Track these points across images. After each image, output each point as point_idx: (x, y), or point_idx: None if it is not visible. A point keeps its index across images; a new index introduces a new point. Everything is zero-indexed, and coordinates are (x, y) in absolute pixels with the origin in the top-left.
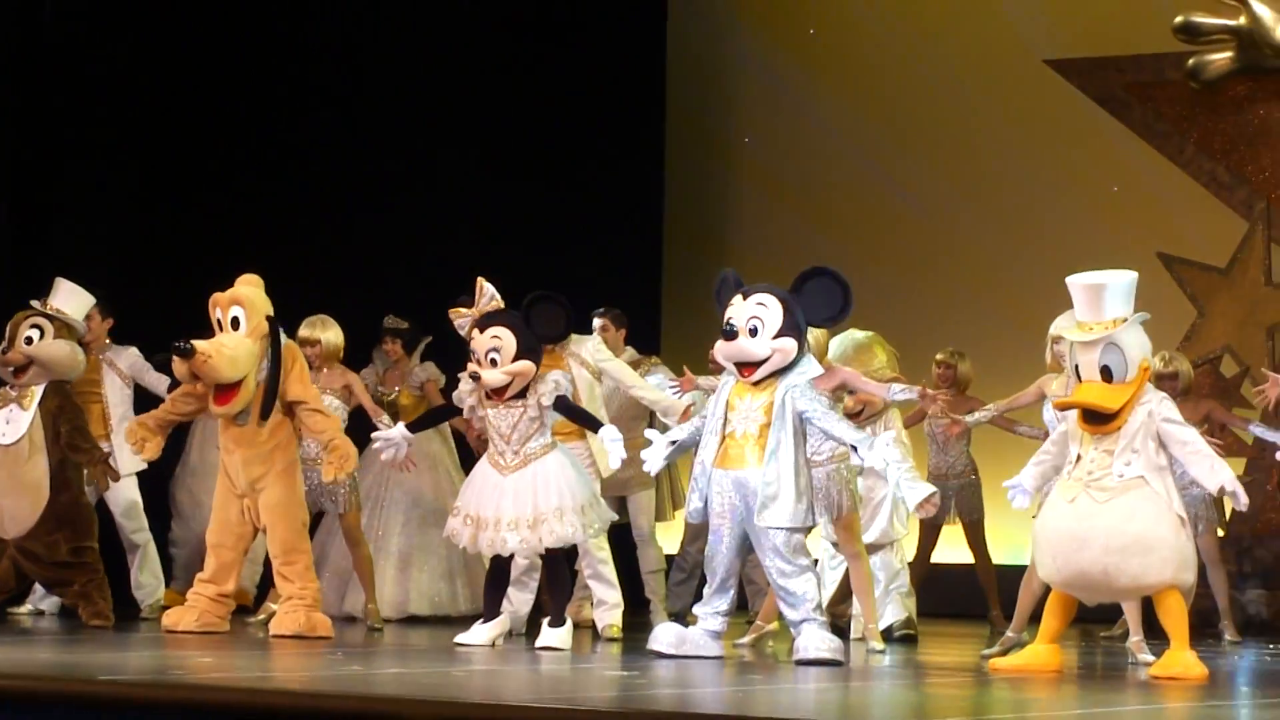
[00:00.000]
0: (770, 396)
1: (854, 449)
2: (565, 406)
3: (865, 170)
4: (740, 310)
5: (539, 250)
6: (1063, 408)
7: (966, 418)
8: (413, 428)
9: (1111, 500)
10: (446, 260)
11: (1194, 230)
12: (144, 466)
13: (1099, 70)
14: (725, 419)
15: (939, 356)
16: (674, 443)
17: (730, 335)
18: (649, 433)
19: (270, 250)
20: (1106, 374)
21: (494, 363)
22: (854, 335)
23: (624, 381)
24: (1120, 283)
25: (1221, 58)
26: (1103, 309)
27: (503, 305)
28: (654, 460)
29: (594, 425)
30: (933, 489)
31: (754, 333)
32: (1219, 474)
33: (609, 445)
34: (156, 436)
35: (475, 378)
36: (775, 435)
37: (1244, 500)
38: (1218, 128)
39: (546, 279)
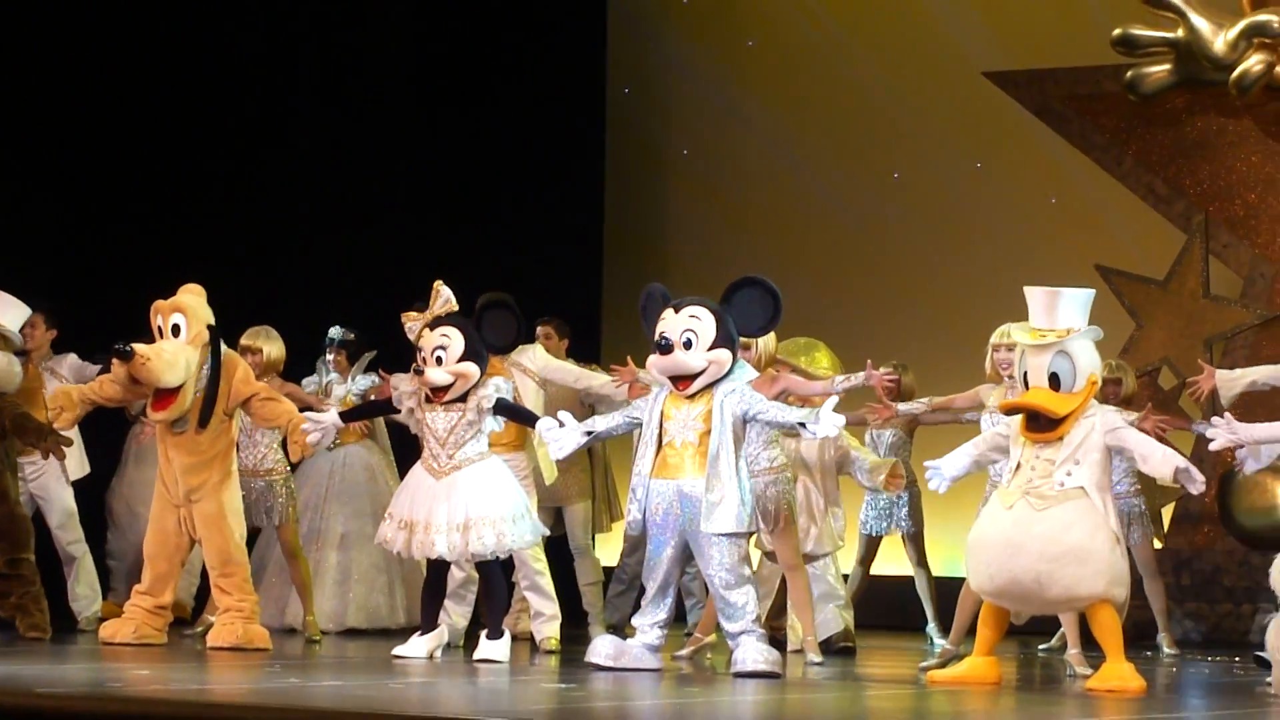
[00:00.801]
0: (708, 404)
1: (802, 426)
2: (505, 407)
3: (803, 182)
4: (673, 323)
5: (479, 262)
6: (1008, 409)
7: (899, 406)
8: (346, 417)
9: (1049, 509)
10: (388, 274)
11: (1132, 242)
12: (82, 474)
13: (1037, 82)
14: (661, 429)
15: (882, 369)
16: (590, 432)
17: (665, 349)
18: (561, 414)
19: (213, 260)
20: (1054, 382)
21: (439, 361)
22: (801, 339)
23: (569, 379)
24: (1078, 295)
25: (1159, 70)
26: (1057, 317)
27: (456, 309)
28: (566, 442)
29: (533, 421)
30: (895, 459)
31: (688, 345)
32: (1171, 460)
33: (545, 435)
34: (75, 409)
35: (419, 372)
36: (715, 441)
37: (1199, 480)
38: (1156, 140)
39: (486, 290)
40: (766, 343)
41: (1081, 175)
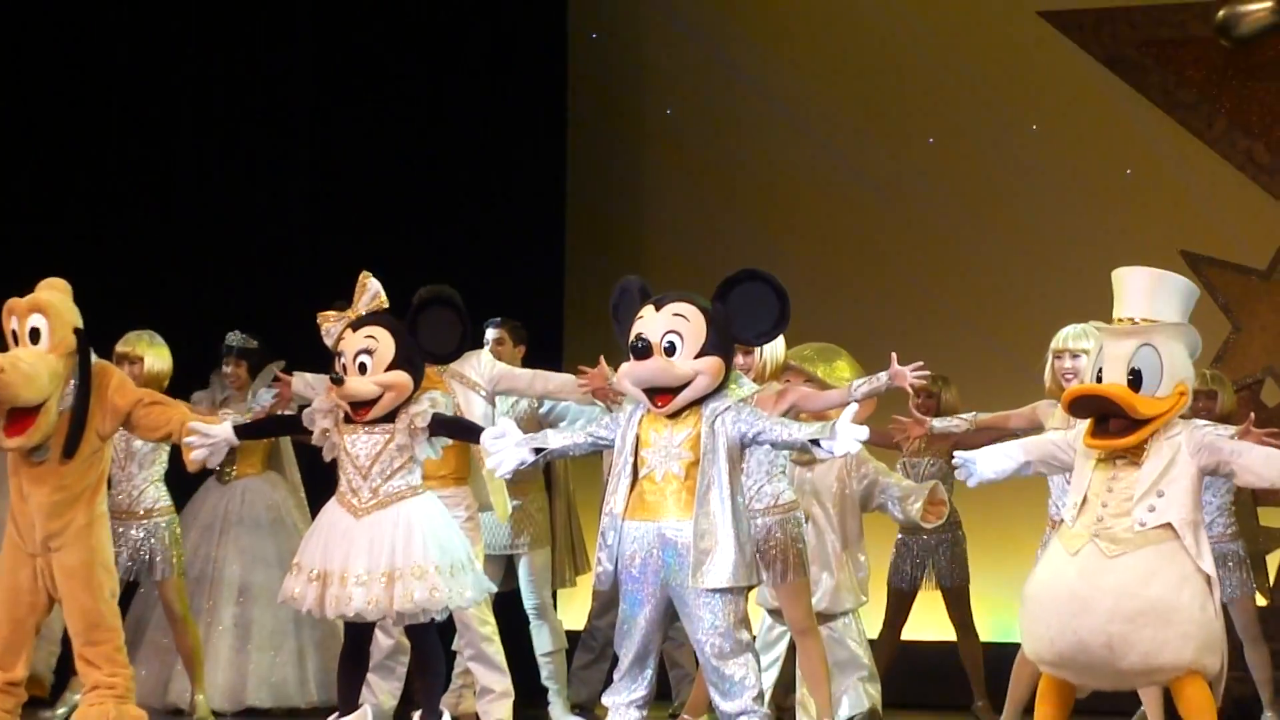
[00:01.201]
0: (695, 427)
1: (815, 444)
2: (442, 423)
3: (812, 150)
4: (653, 323)
5: (418, 254)
6: (1074, 400)
7: (934, 422)
8: (242, 433)
9: (1124, 555)
10: (300, 268)
11: (1227, 224)
12: None
13: (1107, 24)
14: (637, 458)
15: (911, 368)
16: (541, 449)
17: (642, 353)
18: (504, 421)
19: (82, 250)
20: (1135, 381)
21: (363, 369)
22: (816, 344)
23: (520, 383)
24: (1183, 285)
25: (1260, 8)
26: (1154, 304)
27: (387, 306)
28: (507, 458)
29: (478, 435)
30: (935, 481)
31: (671, 350)
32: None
33: (489, 445)
34: None
35: (338, 382)
36: (707, 474)
37: None
38: (1255, 96)
39: (424, 285)
40: (774, 350)
41: (1163, 140)
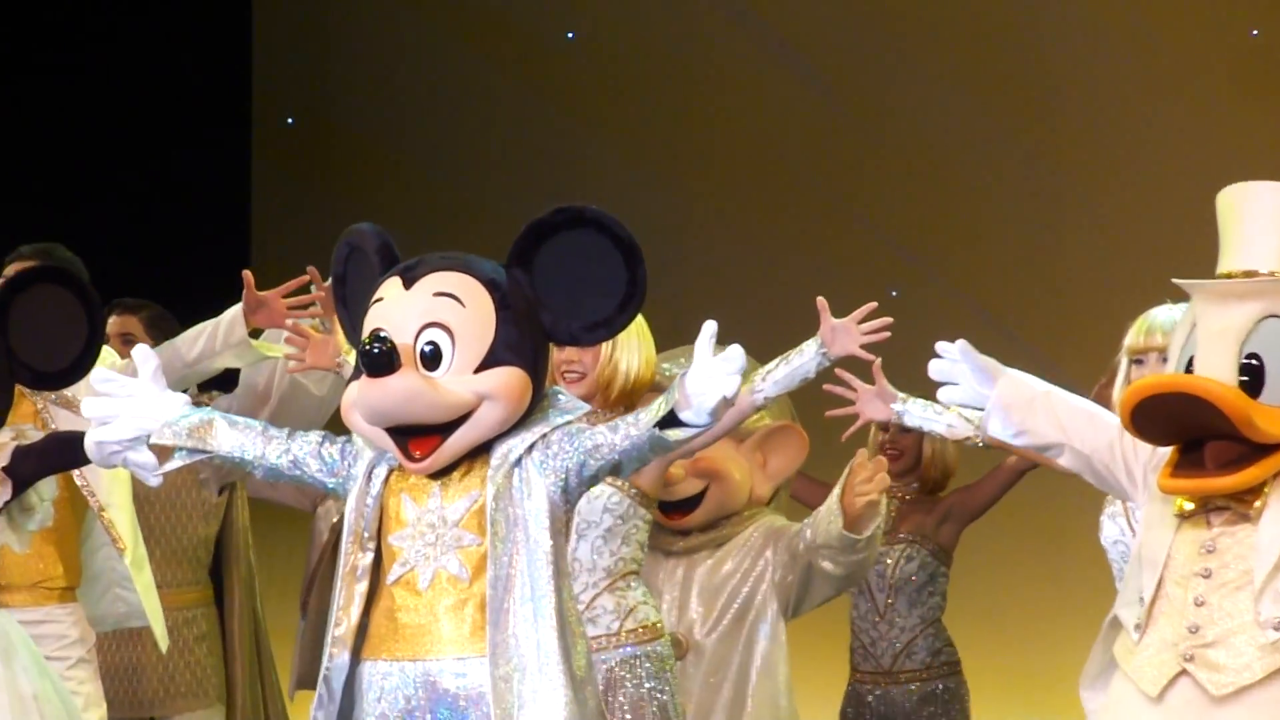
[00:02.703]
0: (481, 488)
1: (674, 425)
2: (23, 456)
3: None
4: (401, 310)
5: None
6: (1141, 403)
7: (903, 406)
8: None
9: (1250, 693)
10: None
11: None
12: None
13: None
14: (380, 548)
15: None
16: (199, 450)
17: (379, 365)
18: (141, 351)
19: None
20: (1254, 376)
21: None
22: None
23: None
24: None
25: None
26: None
27: None
28: (120, 425)
29: (73, 458)
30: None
31: (433, 359)
32: None
33: (97, 384)
34: None
35: None
36: (505, 571)
37: None
38: None
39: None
40: (630, 355)
41: None
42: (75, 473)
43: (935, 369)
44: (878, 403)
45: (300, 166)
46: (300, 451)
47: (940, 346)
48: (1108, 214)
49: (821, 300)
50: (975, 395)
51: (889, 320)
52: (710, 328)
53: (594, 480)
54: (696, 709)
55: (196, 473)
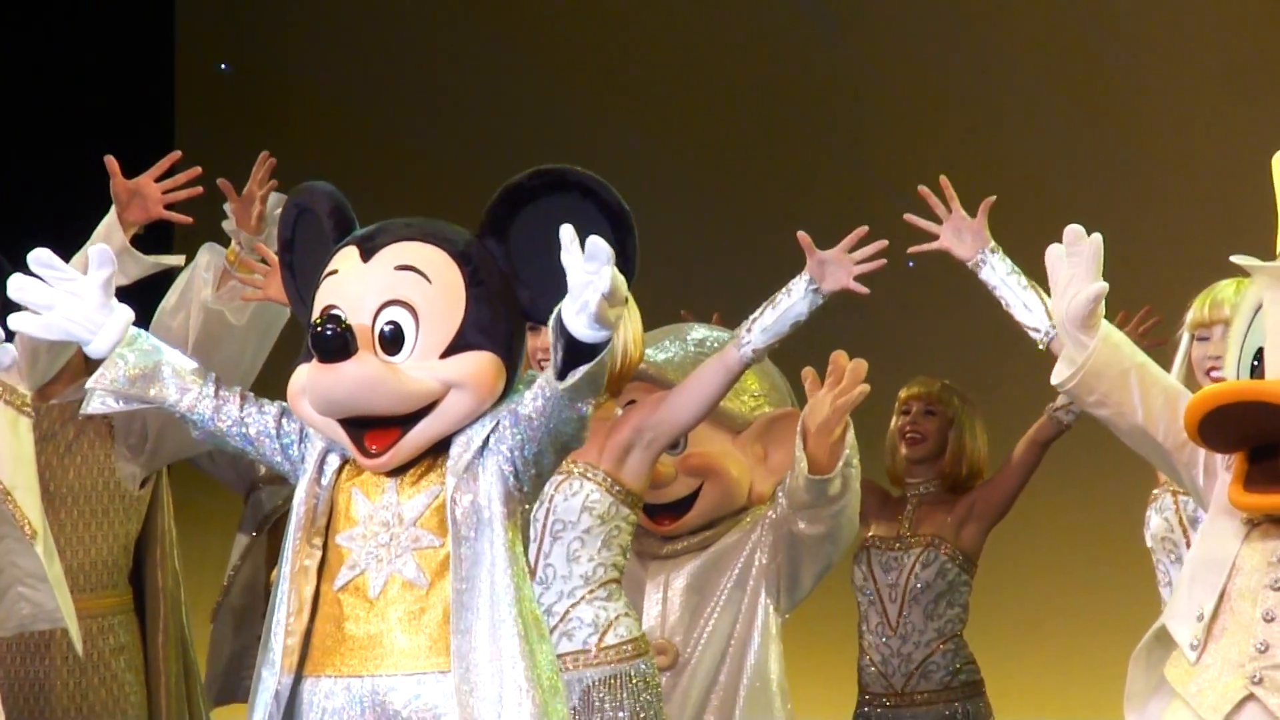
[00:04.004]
0: (441, 483)
1: (571, 361)
2: None
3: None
4: (357, 285)
5: None
6: (1210, 412)
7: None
8: None
9: None
10: None
11: None
12: None
13: None
14: (327, 545)
15: (906, 391)
16: (124, 399)
17: (333, 349)
18: (97, 251)
19: None
20: None
21: None
22: (696, 330)
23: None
24: None
25: None
26: None
27: None
28: (112, 324)
29: None
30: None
31: (394, 340)
32: None
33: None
34: None
35: None
36: (469, 573)
37: None
38: None
39: None
40: (628, 345)
41: None
42: None
43: (1052, 251)
44: (967, 237)
45: (233, 117)
46: (254, 427)
47: (1072, 230)
48: (1152, 184)
49: (803, 234)
50: (1067, 320)
51: (883, 244)
52: (567, 231)
53: (540, 460)
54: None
55: (113, 460)
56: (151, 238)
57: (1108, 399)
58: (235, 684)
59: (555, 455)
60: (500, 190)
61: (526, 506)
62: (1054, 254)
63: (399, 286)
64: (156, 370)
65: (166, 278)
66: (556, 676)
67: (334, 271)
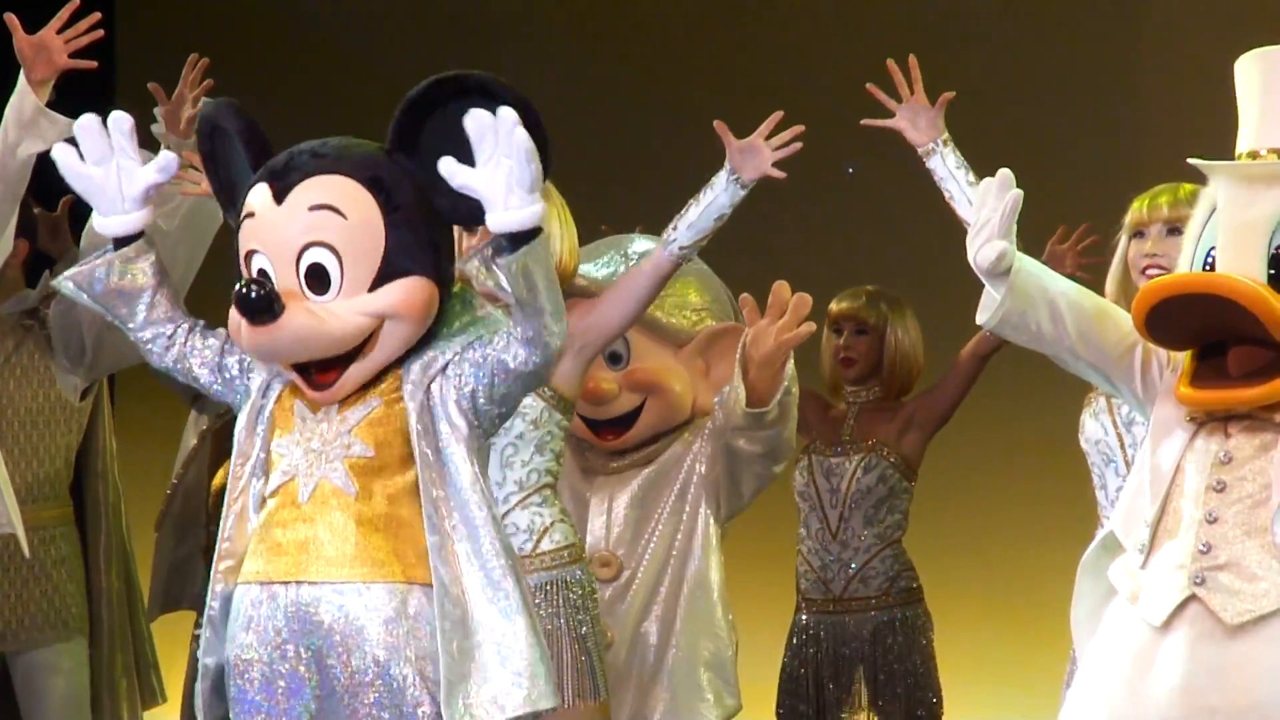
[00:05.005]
0: (380, 396)
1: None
2: None
3: None
4: (275, 229)
5: None
6: (1158, 303)
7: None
8: None
9: (1264, 626)
10: None
11: None
12: None
13: None
14: (268, 457)
15: (836, 306)
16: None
17: (260, 311)
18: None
19: None
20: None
21: None
22: (636, 243)
23: None
24: None
25: None
26: None
27: None
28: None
29: None
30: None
31: (320, 280)
32: None
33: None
34: None
35: None
36: (432, 490)
37: None
38: None
39: None
40: (564, 257)
41: None
42: None
43: (986, 182)
44: (923, 122)
45: (171, 25)
46: (194, 362)
47: (1004, 175)
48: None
49: (719, 124)
50: (976, 266)
51: (799, 129)
52: (447, 165)
53: (509, 398)
54: (624, 635)
55: (53, 371)
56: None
57: (1037, 335)
58: (180, 592)
59: (523, 390)
60: (402, 103)
61: (483, 436)
62: (985, 186)
63: (316, 228)
64: (136, 295)
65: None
66: (531, 602)
67: (251, 213)
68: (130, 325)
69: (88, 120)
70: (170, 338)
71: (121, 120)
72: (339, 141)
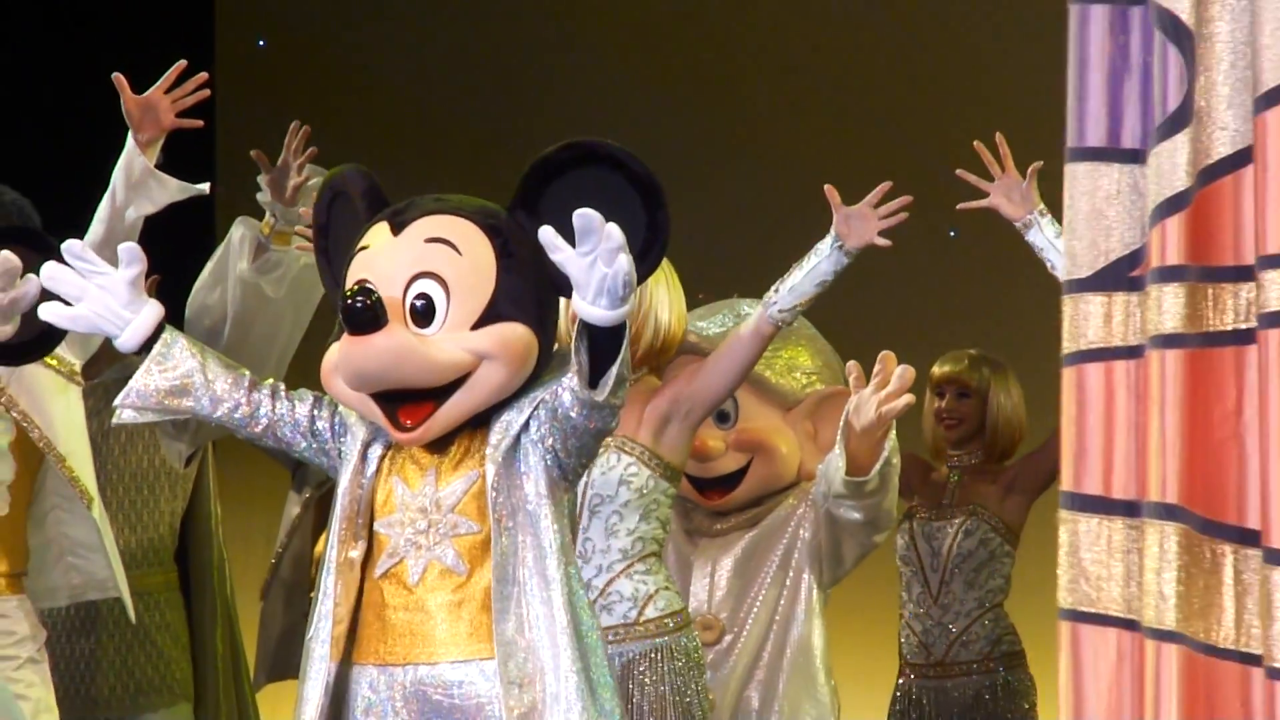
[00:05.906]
0: (480, 468)
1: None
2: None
3: None
4: (388, 259)
5: None
6: None
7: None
8: None
9: None
10: None
11: None
12: None
13: None
14: (371, 535)
15: (939, 369)
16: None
17: (363, 321)
18: (127, 248)
19: None
20: None
21: None
22: (748, 306)
23: None
24: None
25: None
26: None
27: None
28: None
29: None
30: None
31: (425, 314)
32: None
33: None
34: None
35: None
36: (510, 560)
37: None
38: None
39: None
40: (653, 304)
41: None
42: (21, 415)
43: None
44: (1016, 196)
45: (271, 93)
46: (286, 428)
47: None
48: None
49: (830, 188)
50: None
51: (907, 200)
52: (546, 233)
53: (582, 453)
54: (726, 700)
55: (158, 438)
56: (192, 205)
57: None
58: (287, 659)
59: (596, 443)
60: (531, 163)
61: (572, 494)
62: None
63: (429, 258)
64: (188, 383)
65: (199, 259)
66: (608, 668)
67: (365, 247)
68: (202, 414)
69: (49, 270)
70: (249, 405)
71: (68, 247)
72: (461, 195)
